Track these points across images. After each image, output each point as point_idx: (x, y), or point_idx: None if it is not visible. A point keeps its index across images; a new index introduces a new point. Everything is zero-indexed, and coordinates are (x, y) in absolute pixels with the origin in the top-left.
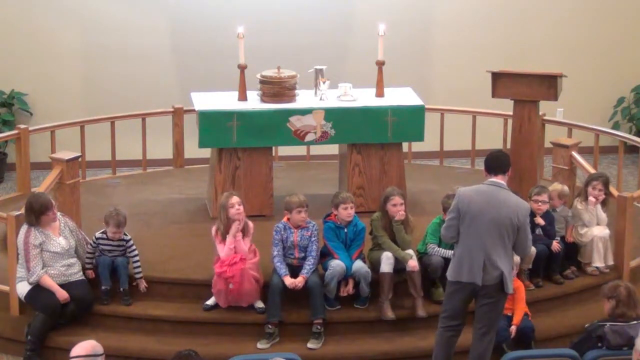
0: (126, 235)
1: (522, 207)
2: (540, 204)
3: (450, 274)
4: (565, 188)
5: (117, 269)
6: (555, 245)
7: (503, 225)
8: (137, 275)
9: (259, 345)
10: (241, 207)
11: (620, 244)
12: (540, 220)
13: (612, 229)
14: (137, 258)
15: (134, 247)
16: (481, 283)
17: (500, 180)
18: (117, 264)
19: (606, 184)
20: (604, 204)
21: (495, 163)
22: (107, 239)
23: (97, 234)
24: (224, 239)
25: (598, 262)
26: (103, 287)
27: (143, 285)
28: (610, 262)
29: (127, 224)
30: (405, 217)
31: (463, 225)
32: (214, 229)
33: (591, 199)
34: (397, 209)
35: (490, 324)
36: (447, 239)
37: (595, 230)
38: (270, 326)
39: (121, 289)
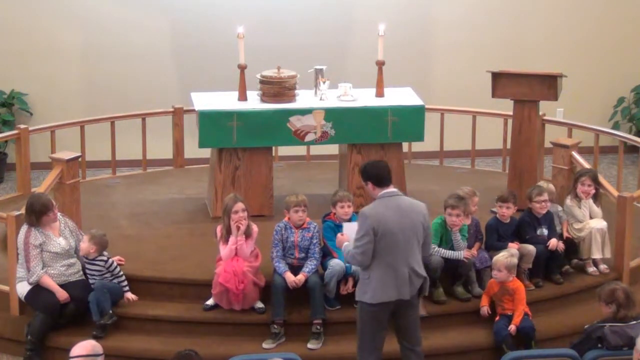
0: (103, 255)
1: (423, 207)
2: (543, 204)
3: (371, 297)
4: (551, 186)
5: (98, 300)
6: (553, 243)
7: (418, 231)
8: (125, 289)
9: (265, 345)
10: (245, 213)
11: (620, 244)
12: (561, 246)
13: (612, 228)
14: (123, 278)
15: (114, 265)
16: (409, 296)
17: (393, 188)
18: (97, 295)
19: (594, 178)
20: (595, 198)
21: (384, 174)
22: (87, 261)
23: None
24: (226, 241)
25: (597, 254)
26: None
27: (131, 297)
28: (608, 255)
29: (128, 224)
30: None
31: (380, 244)
32: (218, 230)
33: (580, 193)
34: None
35: (419, 331)
36: (363, 264)
37: (593, 223)
38: (275, 326)
39: (97, 320)
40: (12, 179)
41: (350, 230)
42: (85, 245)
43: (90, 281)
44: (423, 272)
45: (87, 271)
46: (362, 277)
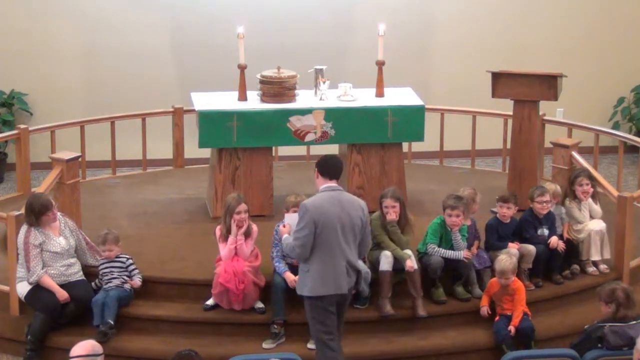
0: (124, 255)
1: (362, 204)
2: (544, 204)
3: (310, 290)
4: (558, 187)
5: (105, 305)
6: (554, 241)
7: (356, 226)
8: (137, 277)
9: (265, 345)
10: (247, 215)
11: (620, 244)
12: (561, 245)
13: (612, 228)
14: (138, 274)
15: (133, 266)
16: (347, 290)
17: (336, 183)
18: (106, 300)
19: (590, 177)
20: (594, 196)
21: (335, 169)
22: (105, 261)
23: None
24: (226, 240)
25: (596, 256)
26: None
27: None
28: (607, 256)
29: (128, 224)
30: (406, 218)
31: (320, 237)
32: (217, 229)
33: (580, 194)
34: (386, 211)
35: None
36: (302, 256)
37: (591, 225)
38: (275, 326)
39: (98, 324)
40: (12, 179)
41: (292, 221)
42: (107, 251)
43: (107, 277)
44: (358, 265)
45: (106, 270)
46: (302, 269)
